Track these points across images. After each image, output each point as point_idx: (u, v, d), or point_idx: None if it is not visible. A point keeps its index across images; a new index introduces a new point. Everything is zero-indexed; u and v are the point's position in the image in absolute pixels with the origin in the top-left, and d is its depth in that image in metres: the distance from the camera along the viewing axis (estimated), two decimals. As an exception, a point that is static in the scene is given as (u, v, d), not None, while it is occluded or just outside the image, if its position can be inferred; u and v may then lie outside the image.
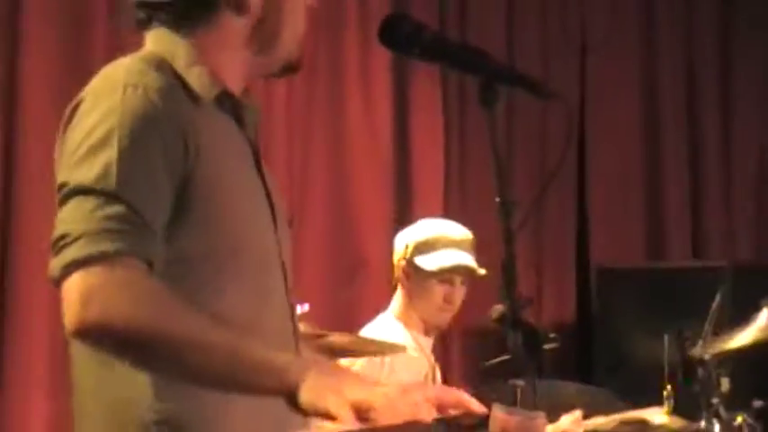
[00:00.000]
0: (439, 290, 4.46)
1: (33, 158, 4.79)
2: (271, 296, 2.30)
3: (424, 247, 4.45)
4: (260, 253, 2.28)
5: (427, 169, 5.93)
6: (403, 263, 4.47)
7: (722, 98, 6.70)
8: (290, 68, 2.48)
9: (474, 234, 4.55)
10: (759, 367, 5.19)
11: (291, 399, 1.99)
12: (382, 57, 5.61)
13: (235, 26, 2.34)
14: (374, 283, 5.37)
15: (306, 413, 2.00)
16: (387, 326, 4.40)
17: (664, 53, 6.62)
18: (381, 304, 4.58)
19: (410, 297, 4.48)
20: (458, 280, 4.46)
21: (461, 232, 4.53)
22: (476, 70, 2.30)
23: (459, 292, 4.49)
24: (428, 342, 4.48)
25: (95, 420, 2.21)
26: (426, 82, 5.90)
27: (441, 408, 2.06)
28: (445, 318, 4.52)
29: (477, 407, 2.18)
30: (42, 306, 4.70)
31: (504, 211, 2.27)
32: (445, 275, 4.43)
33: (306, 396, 1.98)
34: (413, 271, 4.45)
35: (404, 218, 5.72)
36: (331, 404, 1.95)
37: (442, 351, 5.17)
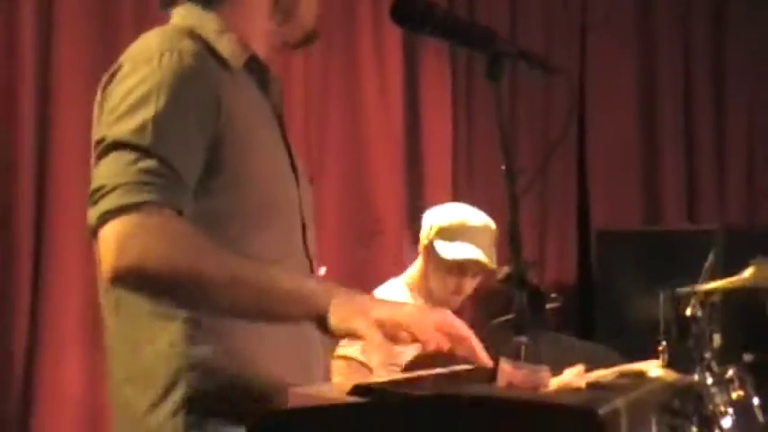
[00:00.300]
0: (451, 278, 4.44)
1: (66, 125, 4.80)
2: (293, 247, 2.31)
3: (445, 234, 4.41)
4: (284, 209, 2.30)
5: (436, 140, 5.95)
6: (425, 241, 4.45)
7: (715, 73, 6.73)
8: (307, 39, 2.48)
9: (479, 201, 4.56)
10: (749, 323, 5.21)
11: (321, 323, 2.02)
12: (394, 34, 5.62)
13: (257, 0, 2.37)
14: (386, 248, 5.41)
15: (335, 335, 2.03)
16: (395, 290, 4.38)
17: (661, 32, 6.65)
18: (392, 268, 4.59)
19: (426, 273, 4.46)
20: (470, 272, 4.43)
21: (483, 223, 4.47)
22: (483, 47, 2.32)
23: (470, 284, 4.47)
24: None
25: (129, 371, 2.21)
26: (435, 58, 5.91)
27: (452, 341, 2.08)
28: (454, 303, 4.46)
29: (483, 354, 2.23)
30: (75, 268, 4.71)
31: (509, 179, 2.29)
32: (457, 267, 4.41)
33: (334, 319, 2.00)
34: (432, 252, 4.43)
35: (414, 186, 5.78)
36: (359, 324, 1.98)
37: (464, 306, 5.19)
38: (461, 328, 2.05)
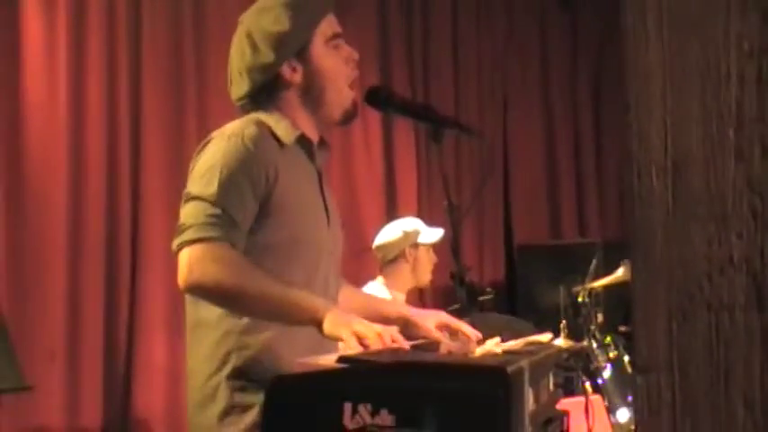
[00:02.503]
0: (432, 256, 4.43)
1: (152, 169, 4.85)
2: (318, 271, 2.28)
3: (417, 233, 4.40)
4: (310, 245, 2.26)
5: (405, 181, 5.92)
6: (406, 245, 4.40)
7: (596, 126, 6.74)
8: (347, 117, 2.38)
9: (437, 224, 4.51)
10: (621, 306, 5.23)
11: (319, 328, 2.04)
12: (376, 111, 5.61)
13: (290, 96, 2.31)
14: (370, 260, 5.40)
15: (328, 337, 2.05)
16: (374, 289, 4.34)
17: (555, 102, 6.65)
18: (374, 273, 4.58)
19: (414, 267, 4.39)
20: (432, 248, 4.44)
21: (419, 221, 4.52)
22: (427, 119, 2.36)
23: (434, 257, 4.48)
24: (402, 297, 4.42)
25: (200, 352, 2.22)
26: (404, 126, 5.87)
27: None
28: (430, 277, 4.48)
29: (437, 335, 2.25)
30: (161, 277, 4.71)
31: (449, 209, 2.31)
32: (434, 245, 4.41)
33: (327, 326, 2.03)
34: (415, 248, 4.39)
35: (391, 213, 5.78)
36: (342, 332, 2.01)
37: (419, 302, 5.17)
38: (399, 339, 2.05)
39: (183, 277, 2.08)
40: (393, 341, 2.02)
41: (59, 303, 4.58)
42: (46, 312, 4.54)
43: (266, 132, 2.25)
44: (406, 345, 2.06)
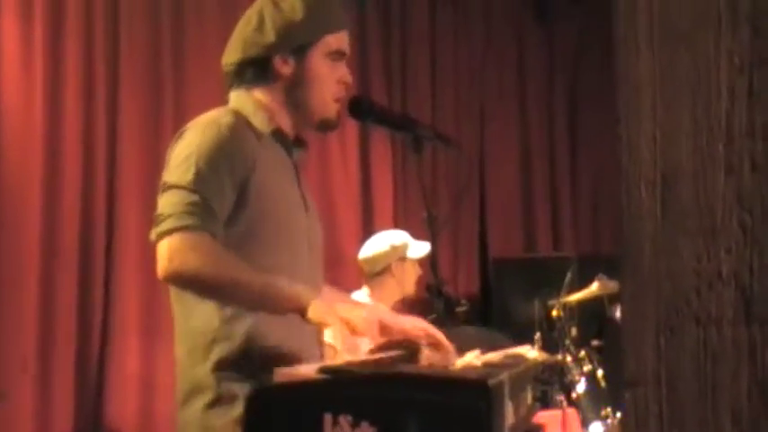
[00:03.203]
0: (417, 269, 4.40)
1: (130, 165, 4.83)
2: (299, 256, 2.29)
3: (405, 246, 4.38)
4: (289, 237, 2.27)
5: (381, 193, 5.91)
6: (393, 259, 4.36)
7: (571, 142, 6.75)
8: (325, 126, 2.39)
9: (413, 236, 4.53)
10: (595, 320, 5.24)
11: (303, 315, 2.05)
12: (352, 121, 5.60)
13: (275, 88, 2.32)
14: (346, 270, 5.38)
15: (312, 323, 2.05)
16: (359, 299, 4.34)
17: (532, 115, 6.66)
18: (351, 285, 4.56)
19: (400, 281, 4.37)
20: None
21: (407, 234, 4.49)
22: (408, 130, 2.36)
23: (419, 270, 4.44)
24: (387, 308, 4.41)
25: (184, 342, 2.23)
26: (380, 137, 5.88)
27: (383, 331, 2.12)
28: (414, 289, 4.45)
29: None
30: (136, 280, 4.63)
31: (429, 221, 2.31)
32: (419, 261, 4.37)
33: (312, 313, 2.03)
34: (402, 261, 4.36)
35: (367, 225, 5.77)
36: (328, 318, 2.02)
37: (401, 311, 5.14)
38: (390, 322, 2.08)
39: (162, 267, 2.06)
40: (381, 326, 2.02)
41: (31, 310, 4.53)
42: (17, 320, 4.49)
43: (243, 122, 2.26)
44: (394, 329, 2.06)
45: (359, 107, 2.37)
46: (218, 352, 2.16)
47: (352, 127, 5.64)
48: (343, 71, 2.35)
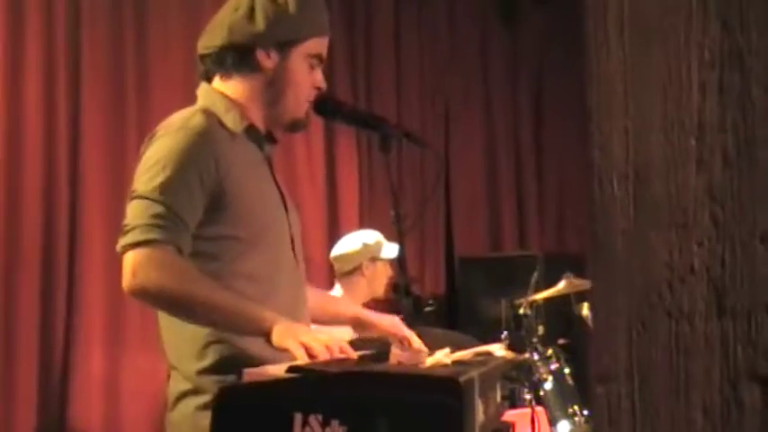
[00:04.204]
0: (388, 270, 4.40)
1: (93, 171, 4.76)
2: (282, 260, 2.28)
3: (378, 246, 4.38)
4: (273, 233, 2.26)
5: (347, 192, 5.91)
6: (364, 258, 4.35)
7: (537, 144, 6.77)
8: (294, 127, 2.39)
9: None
10: (562, 319, 5.26)
11: (267, 338, 2.03)
12: (318, 121, 5.59)
13: (253, 79, 2.30)
14: (314, 268, 5.37)
15: (276, 348, 2.03)
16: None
17: (497, 117, 6.67)
18: (316, 285, 4.51)
19: (370, 281, 4.37)
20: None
21: (380, 234, 4.48)
22: (376, 129, 2.35)
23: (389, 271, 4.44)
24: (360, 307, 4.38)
25: (176, 345, 2.21)
26: (346, 136, 5.87)
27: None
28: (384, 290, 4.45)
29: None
30: (100, 285, 4.55)
31: (396, 221, 2.30)
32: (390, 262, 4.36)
33: (275, 338, 2.02)
34: (373, 261, 4.36)
35: (332, 225, 5.76)
36: (290, 343, 2.00)
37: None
38: (347, 350, 2.05)
39: (126, 281, 2.06)
40: (341, 352, 2.00)
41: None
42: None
43: (214, 122, 2.24)
44: (354, 355, 2.05)
45: (325, 106, 2.37)
46: (213, 355, 2.15)
47: (318, 126, 5.62)
48: (319, 77, 2.36)
